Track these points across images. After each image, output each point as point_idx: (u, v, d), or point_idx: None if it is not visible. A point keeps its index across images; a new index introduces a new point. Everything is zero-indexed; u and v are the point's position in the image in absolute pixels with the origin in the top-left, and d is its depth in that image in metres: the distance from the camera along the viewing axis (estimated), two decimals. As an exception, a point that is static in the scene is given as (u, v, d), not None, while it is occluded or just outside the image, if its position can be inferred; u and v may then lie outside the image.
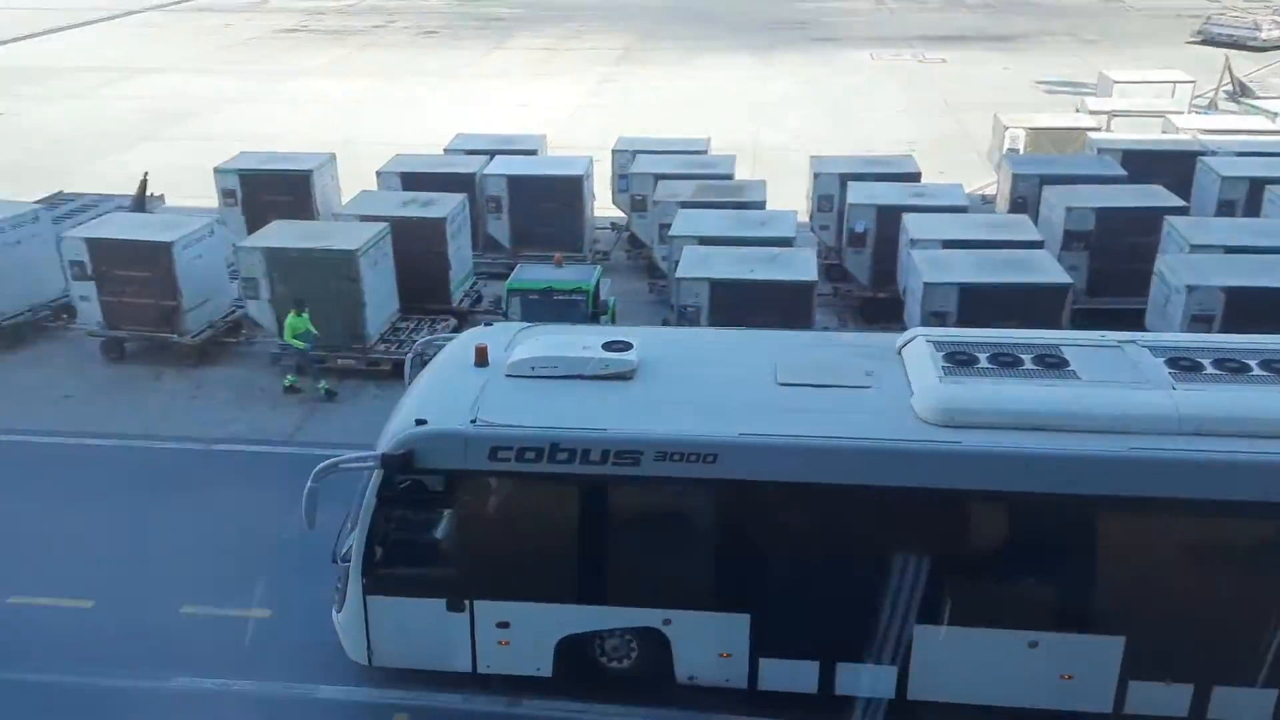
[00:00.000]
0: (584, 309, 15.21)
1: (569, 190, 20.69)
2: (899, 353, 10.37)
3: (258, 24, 52.06)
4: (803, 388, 9.86)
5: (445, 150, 22.96)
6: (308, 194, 20.86)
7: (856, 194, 18.75)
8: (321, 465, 9.38)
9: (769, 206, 18.67)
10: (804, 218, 20.37)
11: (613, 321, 15.97)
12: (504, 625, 9.95)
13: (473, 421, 9.47)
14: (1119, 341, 10.32)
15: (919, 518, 9.27)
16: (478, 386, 10.03)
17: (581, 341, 10.55)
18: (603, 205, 22.30)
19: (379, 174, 21.08)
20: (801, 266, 15.36)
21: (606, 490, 9.41)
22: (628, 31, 49.93)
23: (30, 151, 29.97)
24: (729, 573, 9.63)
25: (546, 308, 15.00)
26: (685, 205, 18.15)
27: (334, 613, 10.30)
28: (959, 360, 9.91)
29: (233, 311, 18.02)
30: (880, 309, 18.29)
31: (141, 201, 21.21)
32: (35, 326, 18.50)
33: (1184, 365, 9.75)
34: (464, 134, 24.21)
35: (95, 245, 16.99)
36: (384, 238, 17.11)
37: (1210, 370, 9.69)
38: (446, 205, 18.38)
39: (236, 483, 13.84)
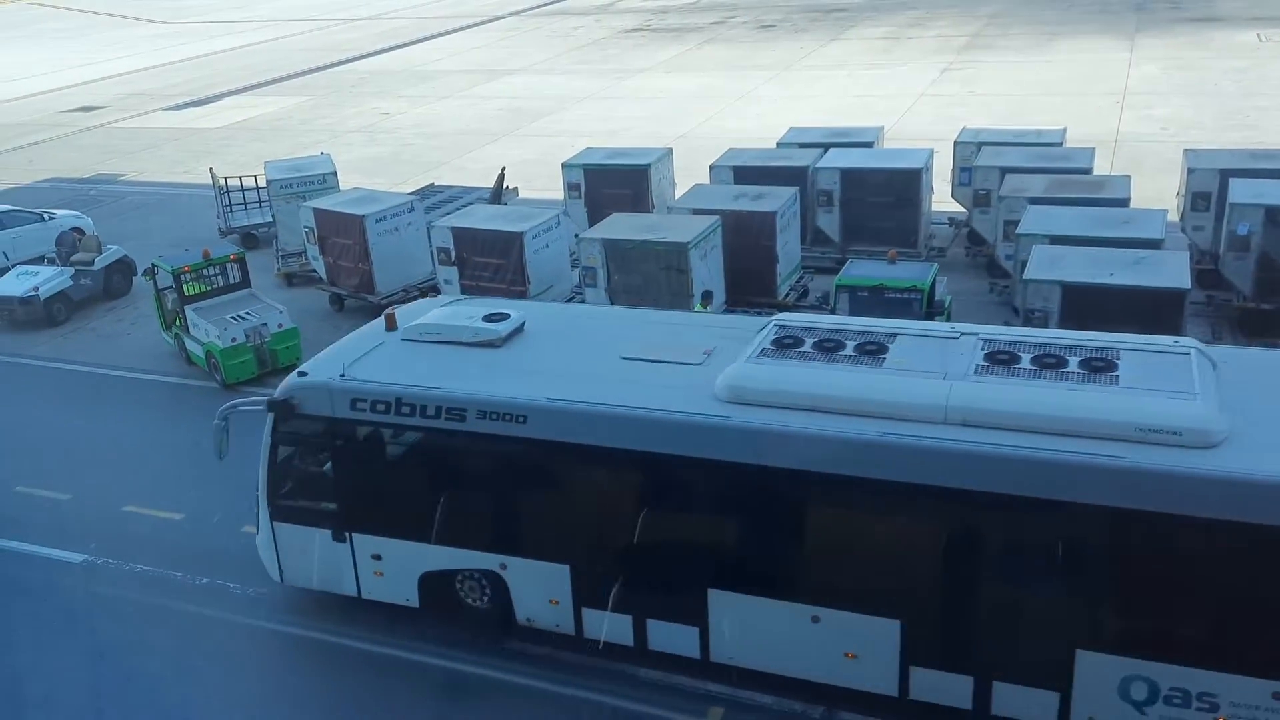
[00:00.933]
0: (918, 308, 14.52)
1: (906, 184, 19.92)
2: (756, 335, 10.69)
3: (606, 25, 54.72)
4: (639, 362, 10.54)
5: (778, 144, 22.87)
6: (645, 187, 21.56)
7: (1239, 192, 16.52)
8: (224, 406, 11.37)
9: (1133, 204, 16.95)
10: (1174, 217, 18.32)
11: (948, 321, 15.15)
12: (377, 558, 11.24)
13: (341, 376, 10.90)
14: (961, 334, 10.28)
15: (702, 487, 9.94)
16: (371, 347, 11.55)
17: (470, 312, 11.85)
18: (940, 199, 21.30)
19: (712, 168, 21.38)
20: (1171, 272, 13.75)
21: (442, 442, 10.58)
22: (977, 16, 47.44)
23: (407, 147, 33.33)
24: (546, 525, 10.69)
25: (877, 306, 14.46)
26: (1035, 201, 16.89)
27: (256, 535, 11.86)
28: (784, 344, 10.26)
29: (571, 298, 18.99)
30: (1265, 322, 16.07)
31: (499, 193, 22.89)
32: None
33: (1000, 359, 9.62)
34: (797, 127, 24.01)
35: (459, 234, 18.50)
36: (714, 230, 17.29)
37: (1023, 365, 9.51)
38: (777, 199, 18.28)
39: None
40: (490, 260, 18.27)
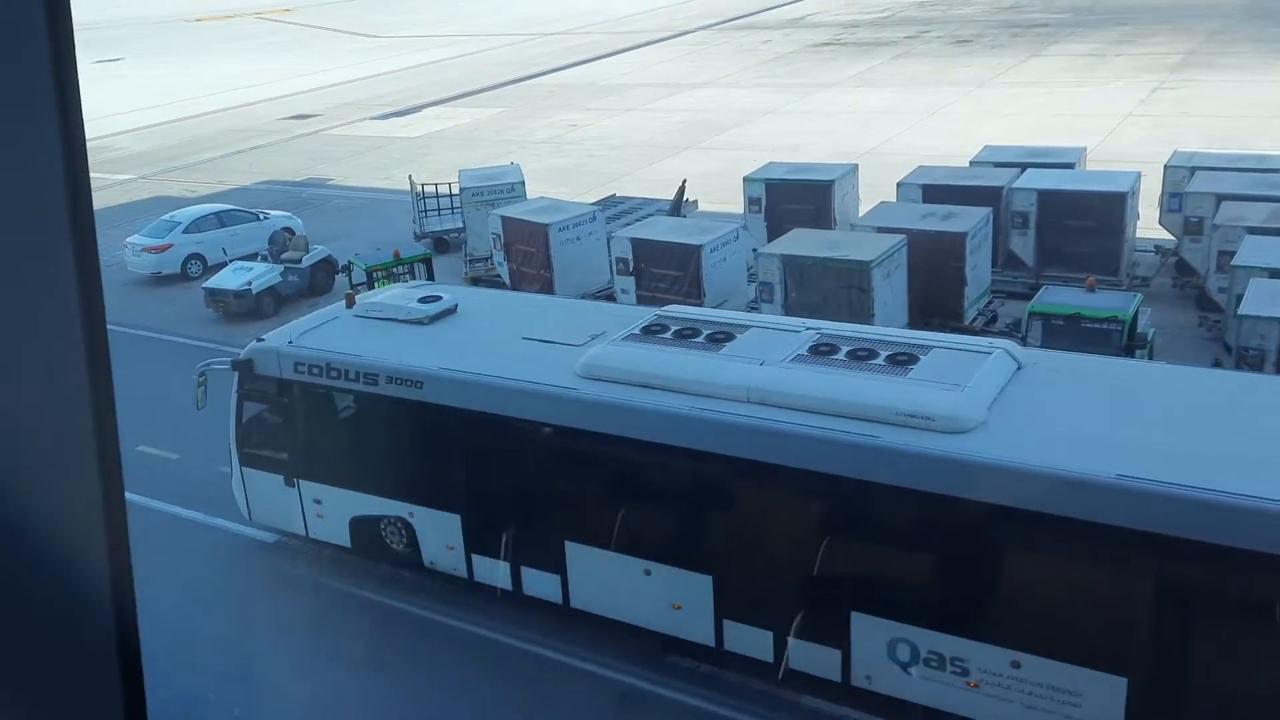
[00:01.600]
0: (1118, 341, 13.63)
1: (1109, 208, 18.79)
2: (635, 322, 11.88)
3: (795, 39, 54.33)
4: (534, 342, 11.86)
5: (971, 162, 22.04)
6: (828, 203, 21.17)
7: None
8: (200, 365, 13.32)
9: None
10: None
11: (1149, 356, 14.17)
12: (318, 502, 12.86)
13: (289, 343, 12.66)
14: (805, 327, 11.27)
15: (560, 450, 11.32)
16: (326, 320, 13.35)
17: (414, 295, 13.57)
18: (1146, 225, 19.98)
19: (899, 185, 20.79)
20: None
21: (362, 403, 12.29)
22: (1194, 33, 44.49)
23: (591, 158, 34.00)
24: (441, 479, 12.17)
25: (1073, 335, 13.67)
26: (1254, 231, 15.61)
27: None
28: (650, 331, 11.52)
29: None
30: None
31: (678, 205, 22.99)
32: (583, 311, 20.89)
33: (821, 350, 10.60)
34: (992, 145, 23.08)
35: (638, 244, 18.68)
36: (899, 250, 16.79)
37: (837, 357, 10.46)
38: (969, 220, 17.59)
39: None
40: (668, 272, 18.35)
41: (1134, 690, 8.54)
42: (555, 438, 11.14)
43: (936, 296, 17.33)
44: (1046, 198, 19.09)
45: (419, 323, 12.89)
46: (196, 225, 25.57)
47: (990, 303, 18.33)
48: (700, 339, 11.20)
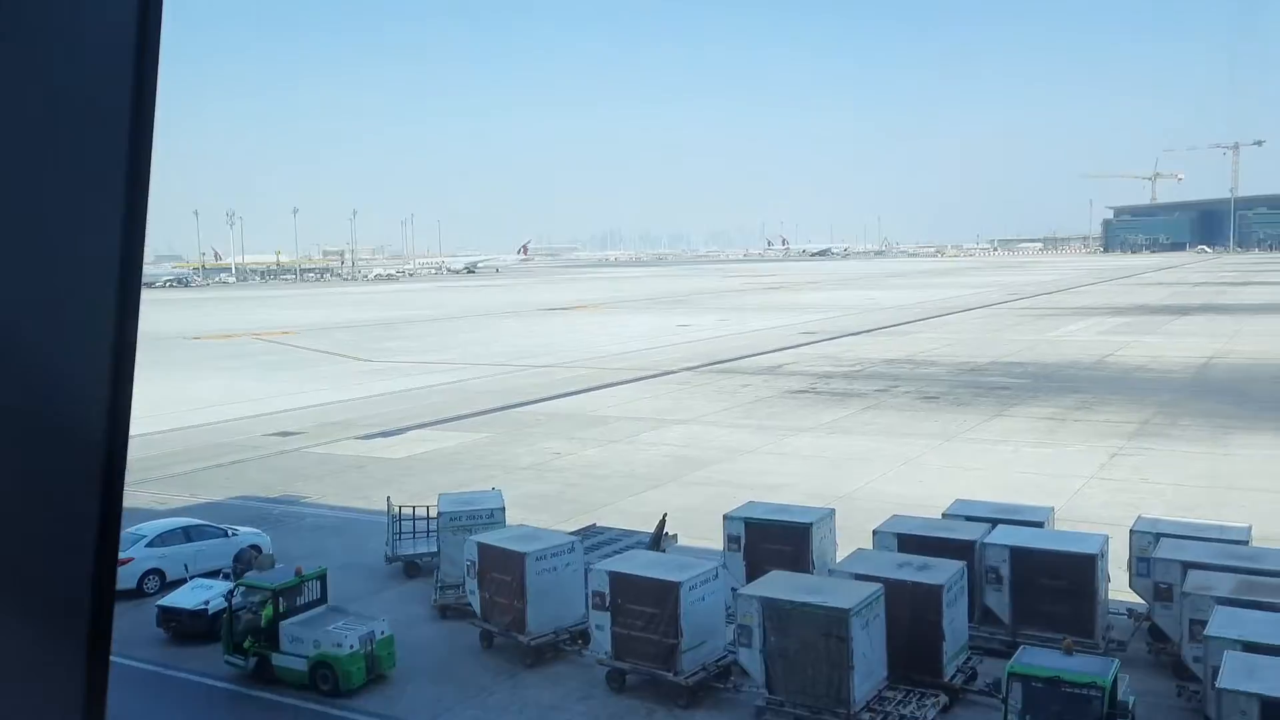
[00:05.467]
0: (1099, 708, 13.45)
1: (1079, 569, 19.15)
2: None
3: (773, 385, 57.10)
4: None
5: (944, 514, 22.62)
6: (806, 546, 21.47)
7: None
8: None
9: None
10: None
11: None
12: None
13: None
14: None
15: None
16: None
17: None
18: (1118, 587, 20.24)
19: (875, 533, 21.20)
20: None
21: None
22: (1144, 405, 47.22)
23: (572, 486, 34.59)
24: None
25: (1054, 700, 13.52)
26: (1224, 602, 15.87)
27: None
28: None
29: (724, 656, 18.49)
30: None
31: (658, 539, 23.21)
32: (555, 648, 20.34)
33: None
34: (963, 500, 23.80)
35: (616, 579, 18.67)
36: (877, 599, 16.87)
37: None
38: (944, 572, 17.84)
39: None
40: (644, 609, 18.22)
41: None
42: None
43: (915, 650, 17.18)
44: (1019, 555, 19.48)
45: None
46: (162, 539, 25.32)
47: (969, 659, 18.13)
48: None
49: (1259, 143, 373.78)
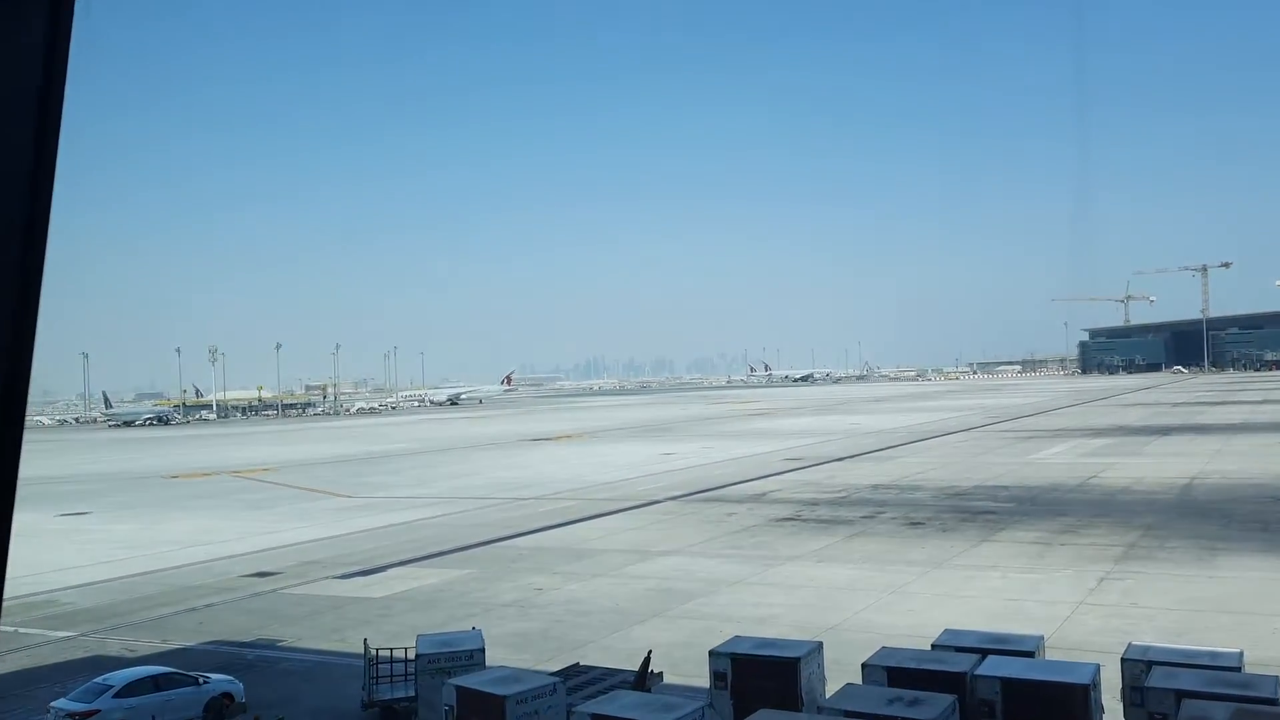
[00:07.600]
0: None
1: (1073, 699, 18.71)
2: None
3: (758, 513, 56.67)
4: None
5: (933, 645, 22.22)
6: (794, 681, 20.95)
7: None
8: None
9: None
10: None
11: None
12: None
13: None
14: None
15: None
16: None
17: None
18: (1112, 717, 19.76)
19: (864, 666, 20.75)
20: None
21: None
22: (1130, 527, 47.07)
23: (556, 623, 33.84)
24: None
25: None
26: (1222, 731, 15.53)
27: None
28: None
29: (712, 801, 17.84)
30: None
31: (643, 677, 22.63)
32: (536, 794, 19.63)
33: None
34: (953, 629, 23.42)
35: (598, 721, 18.13)
36: (868, 738, 16.40)
37: None
38: (935, 707, 17.43)
39: None
40: (629, 752, 17.62)
41: None
42: None
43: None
44: (1010, 686, 19.06)
45: None
46: (130, 689, 24.49)
47: (964, 798, 17.54)
48: None
49: (1226, 264, 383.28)
